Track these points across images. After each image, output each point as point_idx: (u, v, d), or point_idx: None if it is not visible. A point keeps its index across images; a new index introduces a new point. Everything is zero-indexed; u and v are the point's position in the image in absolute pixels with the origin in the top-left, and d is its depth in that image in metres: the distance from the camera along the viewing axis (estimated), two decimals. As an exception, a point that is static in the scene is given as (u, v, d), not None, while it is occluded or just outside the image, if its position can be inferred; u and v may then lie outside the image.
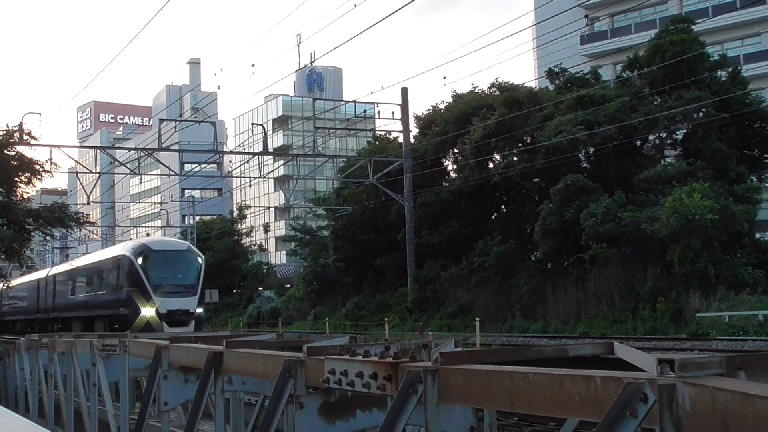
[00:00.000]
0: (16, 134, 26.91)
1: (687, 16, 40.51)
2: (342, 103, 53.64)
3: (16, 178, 26.48)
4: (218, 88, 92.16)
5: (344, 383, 4.14)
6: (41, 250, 70.71)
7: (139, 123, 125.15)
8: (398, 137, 43.93)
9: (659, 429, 2.60)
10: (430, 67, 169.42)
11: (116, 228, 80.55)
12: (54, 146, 30.69)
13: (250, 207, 69.89)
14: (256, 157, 38.34)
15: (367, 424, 4.83)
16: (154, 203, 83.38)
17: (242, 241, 65.66)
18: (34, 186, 28.06)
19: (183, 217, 72.71)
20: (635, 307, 29.82)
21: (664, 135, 34.93)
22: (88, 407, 9.76)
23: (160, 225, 78.31)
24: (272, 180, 57.19)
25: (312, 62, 43.92)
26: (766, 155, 36.34)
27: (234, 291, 60.82)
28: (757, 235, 35.17)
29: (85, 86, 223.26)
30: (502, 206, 41.78)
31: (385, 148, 45.55)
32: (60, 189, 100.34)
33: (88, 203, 38.53)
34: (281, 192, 61.89)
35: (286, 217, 73.05)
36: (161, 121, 37.09)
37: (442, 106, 44.86)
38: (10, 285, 42.64)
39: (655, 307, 28.61)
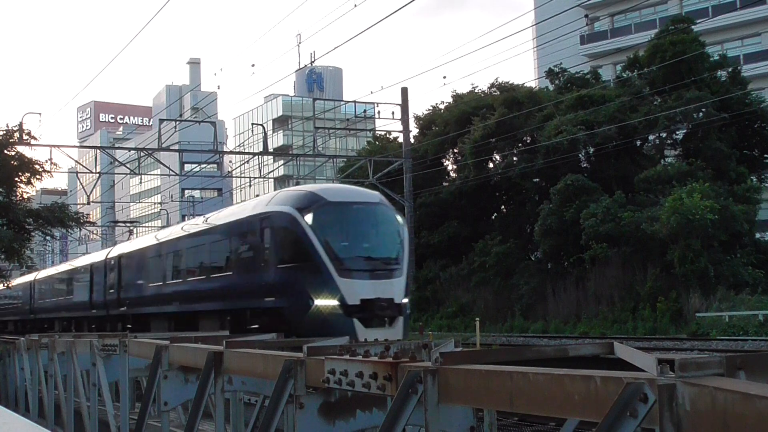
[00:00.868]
0: (16, 134, 26.89)
1: (687, 16, 40.54)
2: (342, 103, 53.64)
3: (16, 178, 26.45)
4: (218, 88, 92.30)
5: (344, 383, 4.14)
6: (41, 250, 70.68)
7: (139, 123, 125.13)
8: (398, 137, 43.94)
9: (659, 429, 2.60)
10: (430, 67, 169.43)
11: (116, 228, 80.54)
12: (54, 146, 30.69)
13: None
14: (256, 157, 38.34)
15: (367, 424, 4.83)
16: (154, 203, 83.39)
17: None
18: (34, 186, 28.03)
19: (183, 217, 72.72)
20: (635, 307, 29.84)
21: (664, 135, 34.95)
22: (88, 407, 9.76)
23: (160, 225, 78.32)
24: (272, 180, 57.15)
25: (312, 62, 43.93)
26: (766, 155, 36.36)
27: None
28: (757, 235, 35.20)
29: (85, 86, 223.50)
30: (502, 206, 41.80)
31: (385, 148, 45.55)
32: (60, 189, 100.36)
33: (88, 203, 38.51)
34: (281, 192, 61.71)
35: (286, 217, 72.88)
36: (161, 121, 37.09)
37: (442, 106, 44.89)
38: (48, 275, 40.18)
39: (655, 307, 28.62)
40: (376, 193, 21.93)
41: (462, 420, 4.21)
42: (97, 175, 37.63)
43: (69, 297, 37.05)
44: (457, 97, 43.66)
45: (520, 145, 38.05)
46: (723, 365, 2.81)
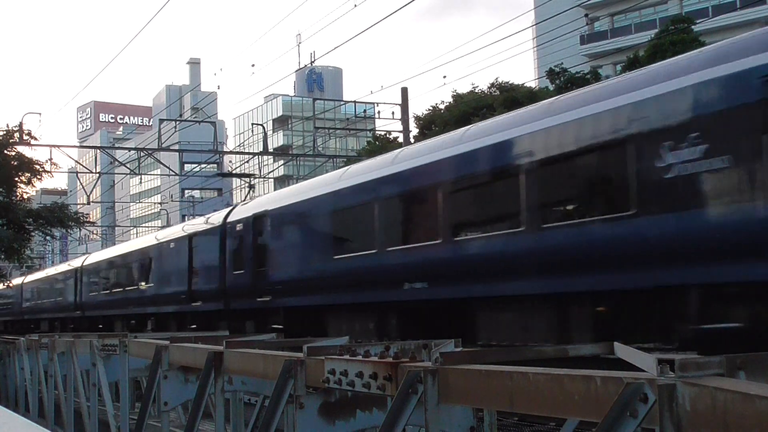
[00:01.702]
0: (16, 134, 26.87)
1: (687, 16, 40.54)
2: (342, 103, 53.62)
3: (16, 178, 26.45)
4: (218, 88, 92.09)
5: (344, 383, 4.14)
6: (41, 250, 70.68)
7: (139, 123, 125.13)
8: (398, 137, 43.91)
9: (659, 429, 2.60)
10: (430, 67, 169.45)
11: (116, 228, 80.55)
12: (54, 146, 30.63)
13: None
14: (256, 157, 38.34)
15: (367, 424, 4.83)
16: (154, 203, 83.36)
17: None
18: (34, 186, 28.05)
19: (183, 217, 72.72)
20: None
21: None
22: (88, 407, 9.76)
23: (160, 225, 78.33)
24: (272, 180, 57.13)
25: (312, 62, 43.89)
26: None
27: None
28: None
29: (85, 86, 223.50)
30: (503, 206, 41.67)
31: (385, 148, 45.53)
32: (60, 189, 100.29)
33: (88, 203, 38.46)
34: (281, 192, 61.72)
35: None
36: (161, 121, 37.05)
37: (442, 106, 44.88)
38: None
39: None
40: None
41: (462, 420, 4.21)
42: (97, 175, 37.60)
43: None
44: (457, 97, 43.65)
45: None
46: (723, 365, 2.82)
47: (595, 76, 40.28)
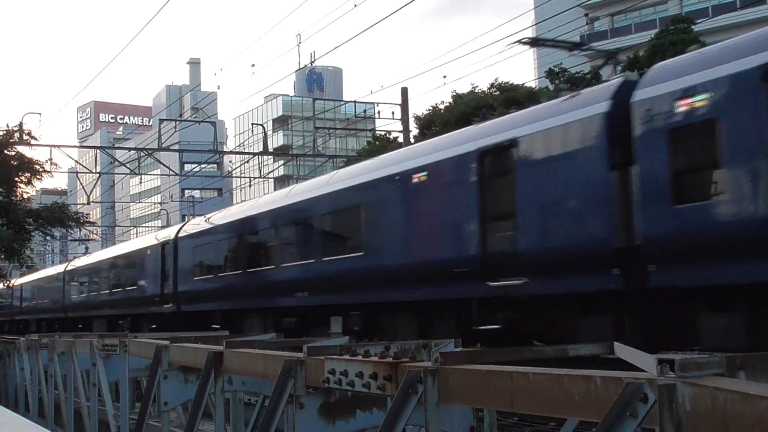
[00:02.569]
0: (16, 134, 26.86)
1: (687, 16, 40.53)
2: (342, 103, 53.62)
3: (16, 178, 26.44)
4: (218, 88, 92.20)
5: (344, 383, 4.14)
6: (41, 250, 70.67)
7: (139, 123, 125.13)
8: (398, 137, 43.91)
9: (659, 429, 2.60)
10: (430, 67, 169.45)
11: (116, 228, 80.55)
12: (54, 146, 30.63)
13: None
14: (256, 157, 38.33)
15: (367, 424, 4.83)
16: (154, 203, 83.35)
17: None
18: (34, 186, 28.04)
19: (183, 217, 72.78)
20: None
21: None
22: (88, 407, 9.75)
23: (160, 225, 78.36)
24: (272, 180, 57.13)
25: (312, 62, 43.90)
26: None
27: None
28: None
29: (85, 86, 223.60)
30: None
31: (385, 148, 45.52)
32: (60, 189, 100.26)
33: (88, 203, 38.46)
34: (281, 192, 61.75)
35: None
36: (161, 121, 37.05)
37: (442, 107, 44.87)
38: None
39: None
40: None
41: (462, 420, 4.21)
42: (97, 175, 37.60)
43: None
44: (457, 97, 43.65)
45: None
46: (723, 365, 2.81)
47: (595, 77, 40.30)
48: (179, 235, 24.40)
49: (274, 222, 18.63)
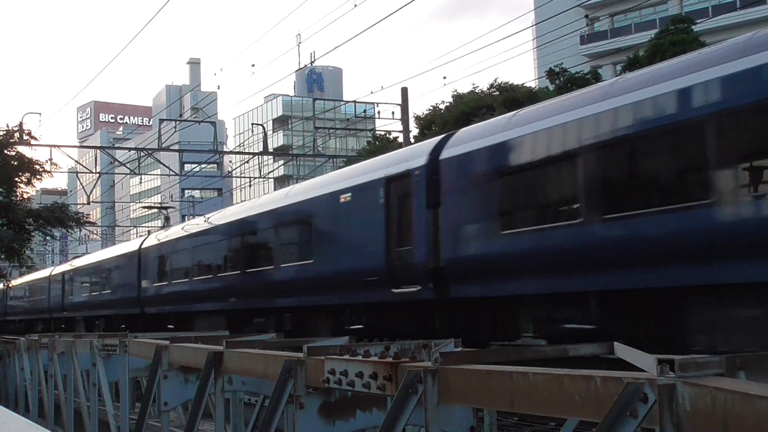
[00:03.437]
0: (16, 134, 26.86)
1: (687, 16, 40.53)
2: (342, 103, 53.61)
3: (16, 178, 26.45)
4: (218, 88, 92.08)
5: (344, 383, 4.14)
6: (41, 250, 70.65)
7: (139, 123, 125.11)
8: (398, 137, 43.90)
9: (659, 429, 2.60)
10: (430, 67, 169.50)
11: (116, 228, 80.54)
12: (54, 146, 30.63)
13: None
14: (256, 157, 38.32)
15: (367, 424, 4.83)
16: (154, 203, 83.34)
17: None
18: (34, 186, 28.07)
19: (183, 217, 72.78)
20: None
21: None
22: (88, 407, 9.75)
23: (160, 225, 78.36)
24: (272, 180, 57.12)
25: (312, 62, 43.91)
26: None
27: None
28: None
29: (85, 86, 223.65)
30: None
31: (385, 148, 45.51)
32: (60, 189, 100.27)
33: (88, 203, 38.46)
34: (281, 192, 61.73)
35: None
36: (161, 121, 37.03)
37: (442, 107, 44.86)
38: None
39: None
40: None
41: (462, 420, 4.21)
42: (97, 175, 37.59)
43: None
44: (457, 97, 43.64)
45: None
46: (723, 365, 2.81)
47: (595, 76, 40.30)
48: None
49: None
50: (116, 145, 75.30)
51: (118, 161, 38.82)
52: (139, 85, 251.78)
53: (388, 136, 47.79)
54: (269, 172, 52.13)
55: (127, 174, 42.80)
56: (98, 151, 41.49)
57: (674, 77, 9.43)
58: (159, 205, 54.77)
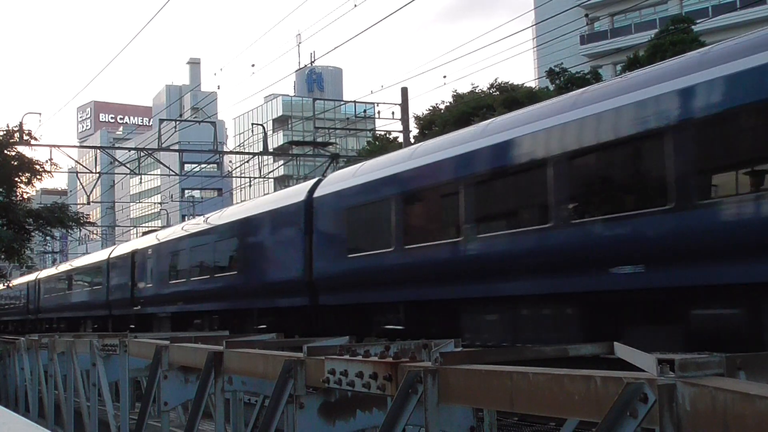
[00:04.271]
0: (16, 134, 26.84)
1: (687, 16, 40.54)
2: (342, 103, 53.60)
3: (16, 178, 26.42)
4: (218, 88, 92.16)
5: (344, 383, 4.14)
6: (41, 250, 70.65)
7: (139, 123, 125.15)
8: (398, 137, 43.90)
9: (659, 429, 2.60)
10: (430, 67, 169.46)
11: (116, 228, 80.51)
12: (54, 146, 30.62)
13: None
14: (256, 157, 38.31)
15: (367, 424, 4.83)
16: (154, 203, 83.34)
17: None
18: (34, 186, 28.01)
19: (183, 217, 72.77)
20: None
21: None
22: (88, 407, 9.75)
23: (160, 225, 78.35)
24: (272, 180, 57.12)
25: (312, 62, 43.92)
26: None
27: None
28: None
29: (85, 86, 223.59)
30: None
31: (385, 148, 45.51)
32: (60, 189, 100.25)
33: (88, 203, 38.46)
34: (281, 192, 61.71)
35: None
36: (161, 121, 37.02)
37: (442, 107, 44.87)
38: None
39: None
40: None
41: (462, 420, 4.21)
42: (97, 175, 37.59)
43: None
44: (457, 97, 43.65)
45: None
46: (723, 365, 2.81)
47: (595, 76, 40.29)
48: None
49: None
50: (116, 145, 75.26)
51: (118, 161, 38.82)
52: (139, 85, 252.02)
53: (388, 136, 47.79)
54: (269, 173, 52.13)
55: (127, 174, 42.79)
56: (98, 151, 41.48)
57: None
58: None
